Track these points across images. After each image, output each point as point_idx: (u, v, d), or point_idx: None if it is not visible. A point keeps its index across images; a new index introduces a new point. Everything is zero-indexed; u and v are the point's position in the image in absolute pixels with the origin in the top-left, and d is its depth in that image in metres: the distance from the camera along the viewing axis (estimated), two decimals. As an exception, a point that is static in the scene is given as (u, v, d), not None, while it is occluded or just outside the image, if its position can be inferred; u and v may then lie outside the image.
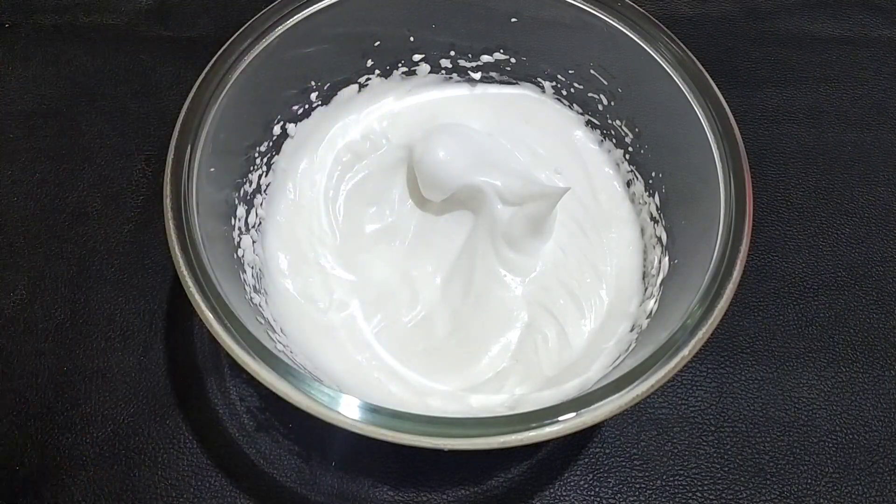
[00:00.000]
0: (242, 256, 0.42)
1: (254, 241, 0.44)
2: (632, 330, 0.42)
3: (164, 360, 0.46)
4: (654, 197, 0.45)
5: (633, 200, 0.47)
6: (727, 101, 0.40)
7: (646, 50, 0.42)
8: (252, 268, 0.42)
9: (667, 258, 0.42)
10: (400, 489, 0.42)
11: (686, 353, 0.33)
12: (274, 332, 0.40)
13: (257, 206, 0.45)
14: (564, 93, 0.49)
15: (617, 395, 0.32)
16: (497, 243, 0.45)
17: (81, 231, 0.50)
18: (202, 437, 0.44)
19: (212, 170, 0.39)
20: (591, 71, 0.46)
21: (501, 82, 0.50)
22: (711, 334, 0.34)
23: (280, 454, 0.43)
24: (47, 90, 0.56)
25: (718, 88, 0.40)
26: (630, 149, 0.47)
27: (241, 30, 0.41)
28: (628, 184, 0.47)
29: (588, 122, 0.49)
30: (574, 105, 0.49)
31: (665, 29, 0.42)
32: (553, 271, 0.45)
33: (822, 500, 0.43)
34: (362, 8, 0.44)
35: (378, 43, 0.47)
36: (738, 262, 0.35)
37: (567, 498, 0.43)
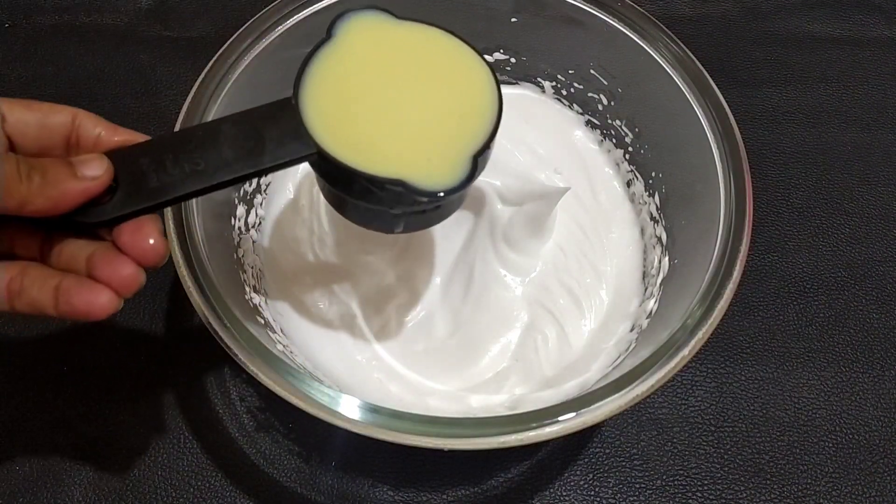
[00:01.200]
0: (242, 256, 0.42)
1: (254, 241, 0.44)
2: (632, 330, 0.42)
3: (164, 360, 0.46)
4: (654, 197, 0.45)
5: (633, 200, 0.47)
6: (727, 101, 0.40)
7: (646, 50, 0.42)
8: (252, 268, 0.42)
9: (667, 258, 0.42)
10: (400, 489, 0.42)
11: (686, 353, 0.33)
12: (274, 332, 0.40)
13: (257, 206, 0.45)
14: (564, 93, 0.49)
15: (617, 395, 0.32)
16: (497, 243, 0.45)
17: (81, 231, 0.50)
18: (202, 437, 0.44)
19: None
20: (591, 71, 0.46)
21: (501, 82, 0.50)
22: (711, 334, 0.34)
23: (280, 454, 0.43)
24: (47, 90, 0.56)
25: (718, 88, 0.40)
26: (630, 149, 0.47)
27: (241, 30, 0.41)
28: (628, 184, 0.47)
29: (588, 122, 0.49)
30: (574, 105, 0.49)
31: (665, 29, 0.42)
32: (553, 271, 0.45)
33: (822, 500, 0.43)
34: (362, 8, 0.44)
35: (378, 43, 0.47)
36: (738, 262, 0.35)
37: (567, 498, 0.43)
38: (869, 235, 0.52)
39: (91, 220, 0.29)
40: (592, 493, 0.43)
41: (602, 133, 0.49)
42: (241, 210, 0.43)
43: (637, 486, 0.43)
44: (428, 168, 0.31)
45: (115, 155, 0.30)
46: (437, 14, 0.46)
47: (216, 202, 0.40)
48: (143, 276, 0.29)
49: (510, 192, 0.45)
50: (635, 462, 0.44)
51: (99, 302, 0.28)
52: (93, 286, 0.28)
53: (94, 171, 0.28)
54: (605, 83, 0.46)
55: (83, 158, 0.29)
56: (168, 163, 0.30)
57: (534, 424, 0.31)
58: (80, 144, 0.31)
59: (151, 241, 0.29)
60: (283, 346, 0.39)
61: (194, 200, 0.36)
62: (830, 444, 0.45)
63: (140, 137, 0.31)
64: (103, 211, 0.29)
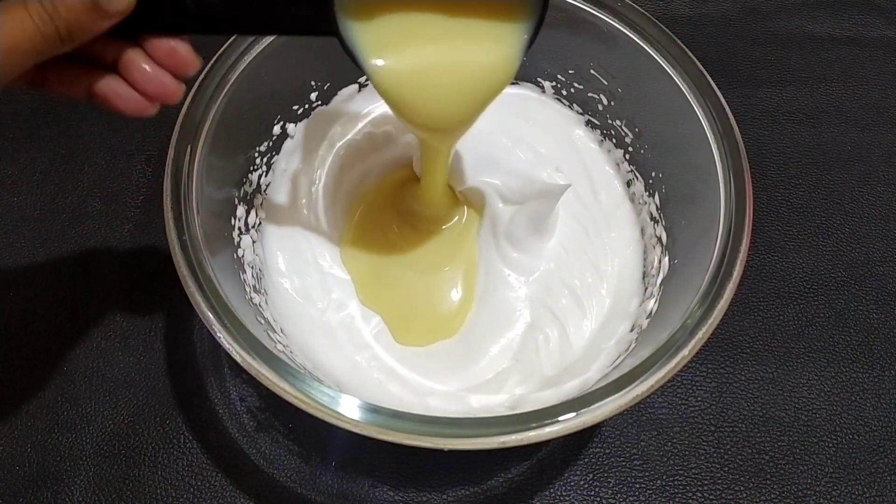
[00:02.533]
0: (242, 256, 0.42)
1: (254, 241, 0.44)
2: (632, 330, 0.42)
3: (164, 360, 0.46)
4: (654, 197, 0.45)
5: (633, 200, 0.47)
6: (727, 101, 0.40)
7: (646, 50, 0.42)
8: (252, 268, 0.42)
9: (667, 258, 0.42)
10: (400, 489, 0.42)
11: (686, 353, 0.33)
12: (274, 332, 0.40)
13: (257, 206, 0.45)
14: (564, 93, 0.49)
15: (617, 395, 0.32)
16: (500, 242, 0.45)
17: (81, 231, 0.50)
18: (202, 437, 0.44)
19: (212, 170, 0.39)
20: (591, 71, 0.46)
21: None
22: (711, 334, 0.34)
23: (280, 454, 0.43)
24: (47, 90, 0.56)
25: (718, 88, 0.40)
26: (630, 149, 0.47)
27: (241, 30, 0.41)
28: (628, 184, 0.47)
29: (588, 122, 0.49)
30: (574, 105, 0.49)
31: (665, 29, 0.42)
32: (556, 270, 0.45)
33: (822, 500, 0.43)
34: (362, 8, 0.44)
35: (378, 43, 0.47)
36: (738, 262, 0.35)
37: (567, 498, 0.43)
38: (869, 235, 0.52)
39: (112, 34, 0.30)
40: (592, 493, 0.43)
41: (602, 133, 0.49)
42: (241, 210, 0.43)
43: (637, 486, 0.43)
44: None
45: None
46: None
47: (216, 202, 0.40)
48: (183, 88, 0.33)
49: (511, 192, 0.45)
50: (635, 462, 0.44)
51: (147, 111, 0.32)
52: (139, 99, 0.32)
53: (121, 6, 0.29)
54: (605, 83, 0.46)
55: None
56: None
57: (534, 424, 0.31)
58: None
59: (184, 54, 0.32)
60: (283, 346, 0.39)
61: (194, 202, 0.36)
62: (830, 444, 0.45)
63: None
64: (122, 28, 0.30)
